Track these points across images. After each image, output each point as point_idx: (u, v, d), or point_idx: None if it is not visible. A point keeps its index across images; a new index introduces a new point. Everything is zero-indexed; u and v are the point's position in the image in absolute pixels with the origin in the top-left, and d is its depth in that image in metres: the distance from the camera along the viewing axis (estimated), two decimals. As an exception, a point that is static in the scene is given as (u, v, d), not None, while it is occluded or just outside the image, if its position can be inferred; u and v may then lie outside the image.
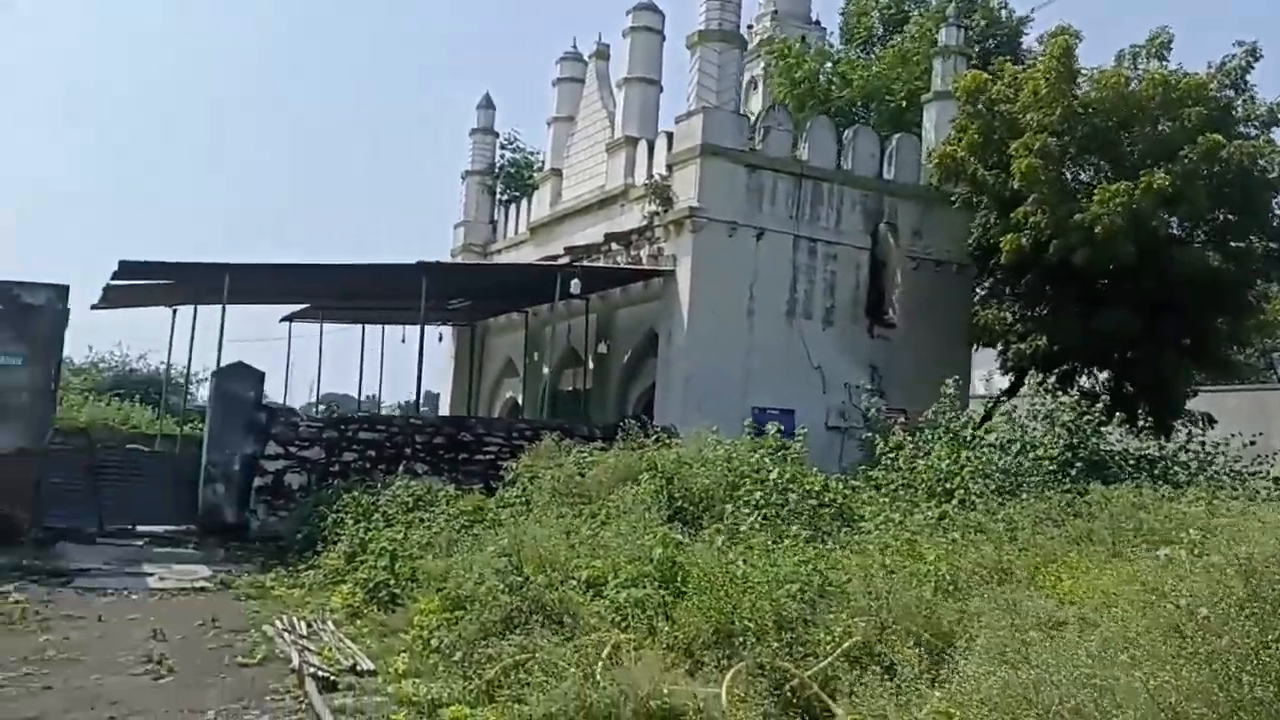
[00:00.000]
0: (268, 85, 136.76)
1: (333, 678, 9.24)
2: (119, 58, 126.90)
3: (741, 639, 7.90)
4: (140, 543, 16.14)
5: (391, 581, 12.30)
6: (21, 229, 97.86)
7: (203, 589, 13.88)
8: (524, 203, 29.21)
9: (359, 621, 11.61)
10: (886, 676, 6.92)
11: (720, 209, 20.37)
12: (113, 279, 18.23)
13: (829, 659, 7.74)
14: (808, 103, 26.38)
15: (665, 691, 7.02)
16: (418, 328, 28.00)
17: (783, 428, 13.44)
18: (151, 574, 14.40)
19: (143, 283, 19.47)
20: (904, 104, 26.14)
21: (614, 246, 22.83)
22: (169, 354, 25.37)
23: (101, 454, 17.01)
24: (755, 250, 20.71)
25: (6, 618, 11.29)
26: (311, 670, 9.27)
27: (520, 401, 27.82)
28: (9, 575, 13.44)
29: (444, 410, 30.19)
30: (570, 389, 25.45)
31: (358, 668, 9.63)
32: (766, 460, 12.92)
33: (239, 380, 17.06)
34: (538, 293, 23.60)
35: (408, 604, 11.55)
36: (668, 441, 15.94)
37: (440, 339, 29.74)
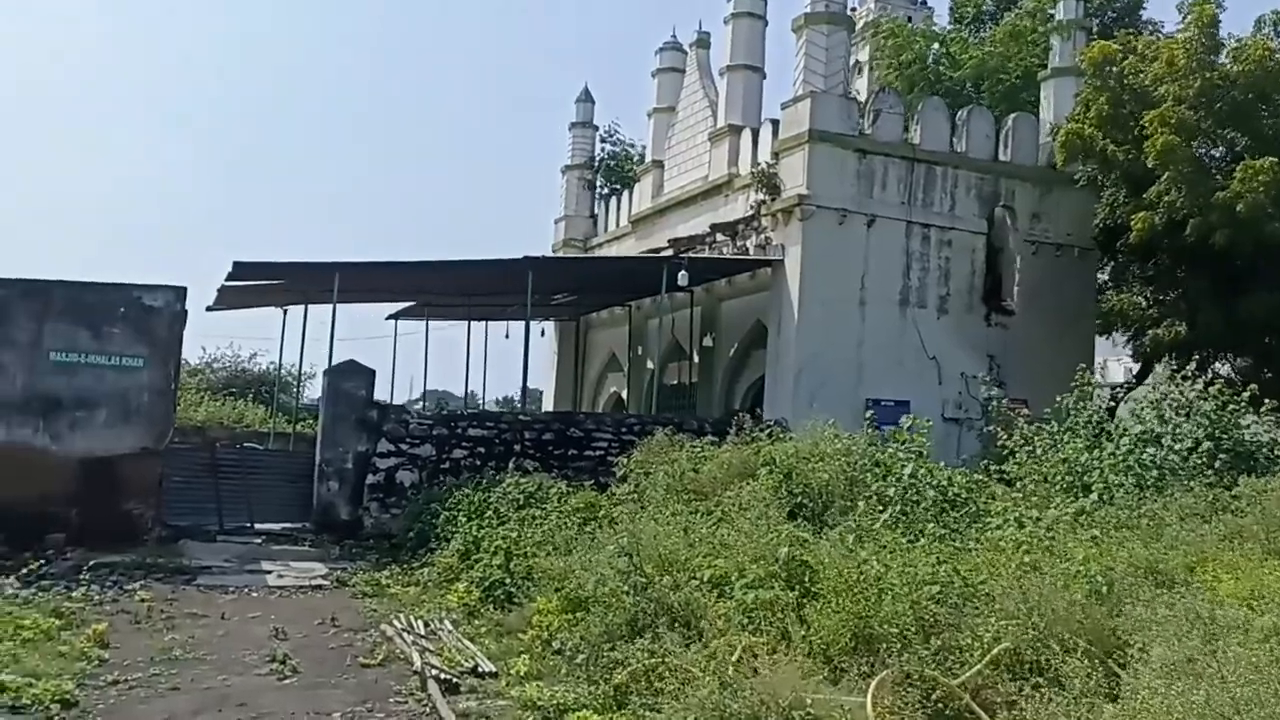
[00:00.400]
0: (368, 85, 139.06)
1: (454, 680, 9.06)
2: (221, 56, 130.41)
3: (885, 645, 7.46)
4: (258, 540, 16.30)
5: (507, 580, 12.12)
6: (137, 233, 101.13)
7: (320, 587, 13.93)
8: (625, 195, 28.96)
9: (476, 621, 11.45)
10: (1049, 688, 6.40)
11: (830, 196, 19.80)
12: (227, 280, 18.47)
13: (977, 667, 7.27)
14: (917, 85, 25.57)
15: (808, 701, 6.63)
16: (521, 323, 28.23)
17: (921, 420, 12.81)
18: (270, 571, 14.51)
19: (255, 283, 19.71)
20: (1017, 83, 25.15)
21: (719, 237, 22.39)
22: (280, 353, 25.74)
23: (220, 452, 17.25)
24: (866, 237, 20.09)
25: (134, 616, 11.41)
26: (433, 672, 9.10)
27: (625, 396, 27.60)
28: (134, 573, 13.66)
29: (547, 406, 30.16)
30: (675, 383, 25.13)
31: (479, 669, 9.43)
32: (899, 454, 12.35)
33: (351, 378, 17.11)
34: (642, 286, 23.36)
35: (524, 603, 11.37)
36: (781, 435, 15.53)
37: (543, 334, 29.70)
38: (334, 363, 17.77)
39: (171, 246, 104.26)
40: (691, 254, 21.98)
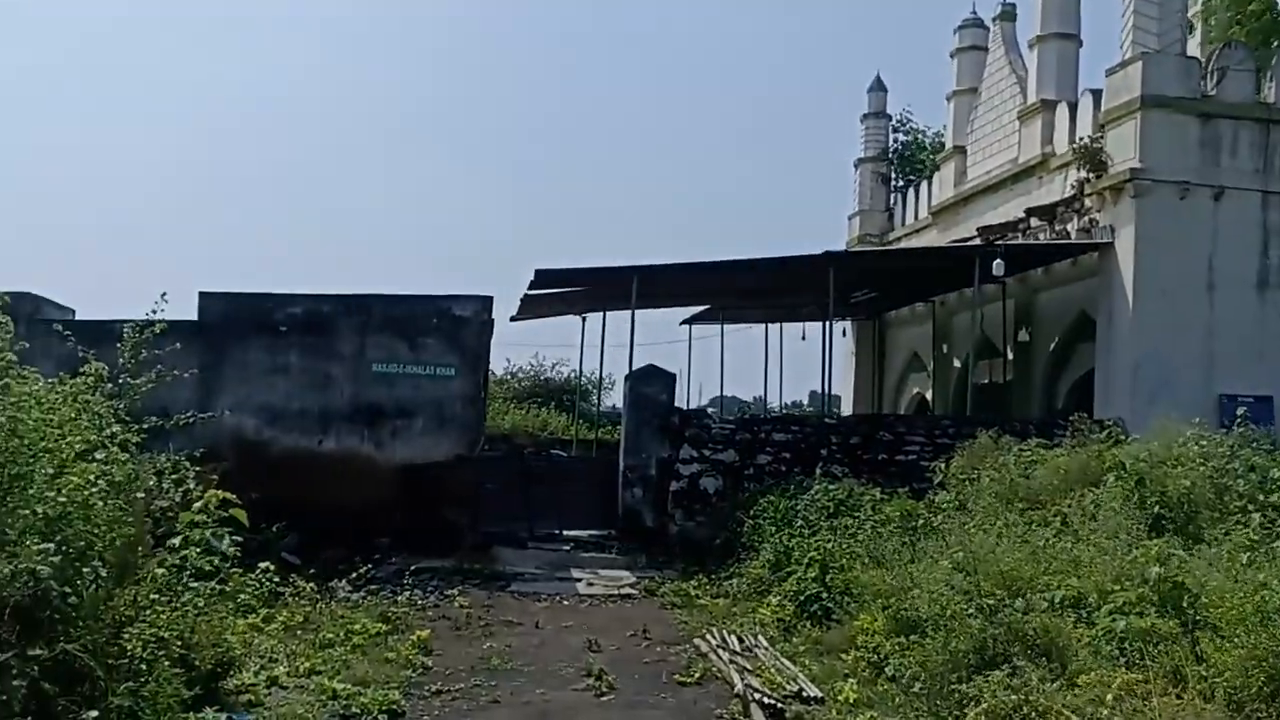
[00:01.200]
0: (656, 84, 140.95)
1: (779, 705, 8.34)
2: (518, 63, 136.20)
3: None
4: (566, 547, 16.35)
5: (823, 594, 11.32)
6: (429, 246, 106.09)
7: (629, 596, 13.69)
8: (923, 186, 27.44)
9: (793, 638, 10.72)
10: None
11: (1167, 168, 17.64)
12: (530, 288, 18.77)
13: None
14: (1272, 39, 22.47)
15: (1229, 763, 5.41)
16: (817, 325, 27.28)
17: None
18: (579, 579, 14.43)
19: (556, 291, 19.96)
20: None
21: (1034, 222, 20.56)
22: (580, 360, 26.15)
23: (529, 460, 17.46)
24: (1213, 213, 17.76)
25: (454, 623, 11.51)
26: (756, 696, 8.43)
27: (929, 397, 26.08)
28: (453, 579, 13.94)
29: (845, 409, 29.04)
30: (987, 382, 23.37)
31: (803, 694, 8.66)
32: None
33: (651, 383, 16.87)
34: (948, 279, 21.94)
35: (844, 621, 10.54)
36: (1121, 437, 13.84)
37: (844, 334, 28.63)
38: (633, 368, 17.61)
39: (474, 259, 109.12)
40: (1004, 242, 20.29)
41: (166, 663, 7.02)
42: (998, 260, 17.93)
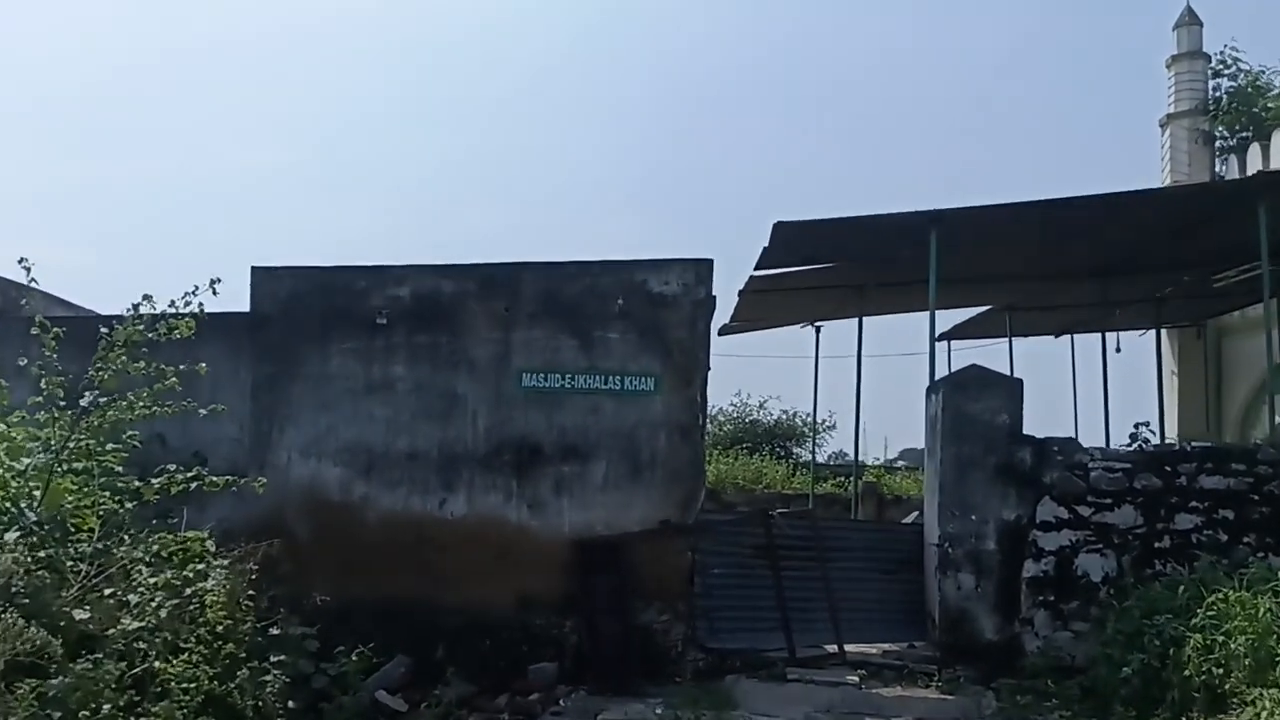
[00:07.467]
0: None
1: None
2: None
3: None
4: (853, 676, 9.63)
5: None
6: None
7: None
8: (1275, 139, 19.88)
9: None
10: None
11: None
12: (758, 266, 12.53)
13: None
14: None
15: None
16: (1130, 334, 20.59)
17: None
18: (891, 746, 7.89)
19: (788, 272, 13.61)
20: None
21: None
22: (815, 388, 19.29)
23: (778, 526, 10.76)
24: None
25: None
26: None
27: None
28: (665, 746, 7.68)
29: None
30: None
31: None
32: None
33: (981, 395, 10.05)
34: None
35: None
36: None
37: (1199, 335, 21.25)
38: (935, 376, 11.06)
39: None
40: None
41: None
42: None
